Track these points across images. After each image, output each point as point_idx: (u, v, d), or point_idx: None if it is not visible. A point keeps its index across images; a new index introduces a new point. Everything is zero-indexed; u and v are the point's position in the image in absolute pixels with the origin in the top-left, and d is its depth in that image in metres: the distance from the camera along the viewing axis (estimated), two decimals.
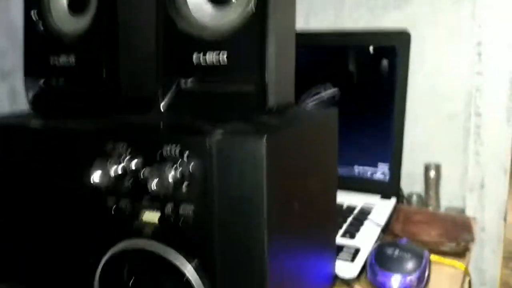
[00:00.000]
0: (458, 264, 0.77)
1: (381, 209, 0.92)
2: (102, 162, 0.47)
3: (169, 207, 0.47)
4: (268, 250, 0.45)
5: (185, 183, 0.45)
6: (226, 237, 0.46)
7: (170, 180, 0.45)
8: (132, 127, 0.51)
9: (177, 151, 0.45)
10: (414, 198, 1.05)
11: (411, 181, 1.06)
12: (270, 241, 0.45)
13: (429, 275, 0.71)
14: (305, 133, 0.55)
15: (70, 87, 0.61)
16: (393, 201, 0.96)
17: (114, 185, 0.48)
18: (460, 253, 0.81)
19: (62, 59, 0.59)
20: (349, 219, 0.87)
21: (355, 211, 0.90)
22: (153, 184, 0.45)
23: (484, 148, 0.98)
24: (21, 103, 1.26)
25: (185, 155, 0.45)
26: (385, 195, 0.98)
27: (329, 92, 0.91)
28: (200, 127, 0.48)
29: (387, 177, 0.98)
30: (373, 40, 0.97)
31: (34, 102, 0.62)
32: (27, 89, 0.62)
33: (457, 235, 0.82)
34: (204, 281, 0.46)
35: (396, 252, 0.71)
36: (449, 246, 0.81)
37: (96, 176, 0.47)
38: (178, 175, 0.45)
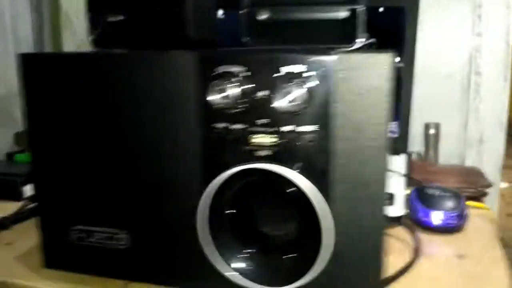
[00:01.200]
0: (483, 206, 0.82)
1: (397, 162, 0.96)
2: (219, 85, 0.47)
3: (287, 129, 0.47)
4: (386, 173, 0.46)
5: (306, 104, 0.46)
6: (345, 160, 0.47)
7: (292, 101, 0.45)
8: (250, 51, 0.51)
9: (299, 71, 0.46)
10: (414, 156, 1.10)
11: (411, 140, 1.10)
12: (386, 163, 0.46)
13: (467, 214, 0.75)
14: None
15: (136, 25, 0.60)
16: (404, 156, 1.00)
17: (229, 108, 0.48)
18: (479, 198, 0.86)
19: None
20: None
21: None
22: (276, 105, 0.45)
23: (483, 105, 1.05)
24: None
25: (307, 75, 0.46)
26: (395, 152, 1.01)
27: (366, 41, 0.93)
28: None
29: (396, 135, 1.02)
30: (383, 1, 1.00)
31: (98, 40, 0.60)
32: (90, 26, 0.60)
33: (475, 181, 0.88)
34: (322, 201, 0.47)
35: (437, 192, 0.75)
36: (469, 191, 0.86)
37: (212, 98, 0.47)
38: (300, 96, 0.45)
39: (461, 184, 0.87)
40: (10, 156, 1.02)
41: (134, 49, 0.60)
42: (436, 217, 0.73)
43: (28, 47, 1.29)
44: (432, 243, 0.69)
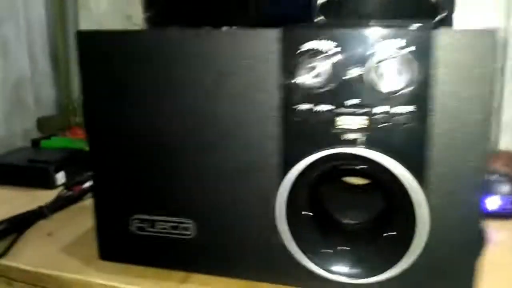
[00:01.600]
0: None
1: None
2: (307, 63, 0.44)
3: (380, 110, 0.44)
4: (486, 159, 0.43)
5: (403, 83, 0.43)
6: (442, 144, 0.44)
7: (387, 80, 0.42)
8: (340, 25, 0.48)
9: (396, 48, 0.43)
10: None
11: None
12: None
13: None
14: None
15: (191, 2, 0.57)
16: None
17: (314, 88, 0.44)
18: None
19: None
20: None
21: None
22: (371, 84, 0.42)
23: None
24: (11, 53, 1.16)
25: (404, 52, 0.43)
26: None
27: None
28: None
29: None
30: None
31: (151, 18, 0.57)
32: (145, 4, 0.57)
33: None
34: (417, 188, 0.44)
35: (493, 176, 0.73)
36: None
37: (300, 78, 0.44)
38: (396, 74, 0.42)
39: (507, 168, 0.85)
40: (35, 142, 0.98)
41: (190, 27, 0.57)
42: (493, 202, 0.70)
43: (41, 30, 1.24)
44: (491, 229, 0.67)
